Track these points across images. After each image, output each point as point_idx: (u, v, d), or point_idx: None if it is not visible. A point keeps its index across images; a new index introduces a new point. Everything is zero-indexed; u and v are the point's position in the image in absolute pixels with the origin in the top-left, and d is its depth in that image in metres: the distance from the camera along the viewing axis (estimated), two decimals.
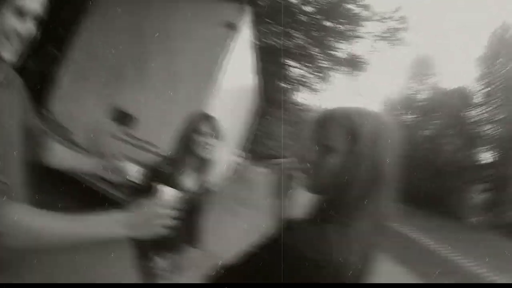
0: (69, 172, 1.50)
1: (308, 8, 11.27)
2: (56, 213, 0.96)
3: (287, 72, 16.02)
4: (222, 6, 4.15)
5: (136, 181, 1.59)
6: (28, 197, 1.16)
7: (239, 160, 15.87)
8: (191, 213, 2.10)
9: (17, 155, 1.08)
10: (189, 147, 2.02)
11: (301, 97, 21.24)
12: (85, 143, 4.18)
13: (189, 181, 2.07)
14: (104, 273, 3.40)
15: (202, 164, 2.11)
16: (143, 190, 1.94)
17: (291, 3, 11.16)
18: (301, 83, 16.81)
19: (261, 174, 14.71)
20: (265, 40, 14.46)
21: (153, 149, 3.87)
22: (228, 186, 9.23)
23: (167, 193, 1.08)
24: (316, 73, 15.43)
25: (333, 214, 0.88)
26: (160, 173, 1.91)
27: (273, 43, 14.47)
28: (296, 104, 21.47)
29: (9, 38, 0.96)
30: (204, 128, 2.02)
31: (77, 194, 4.06)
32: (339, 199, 0.88)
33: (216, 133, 2.05)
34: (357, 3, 11.61)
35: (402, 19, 13.25)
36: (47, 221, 0.93)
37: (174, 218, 1.05)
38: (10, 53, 0.99)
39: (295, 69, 15.93)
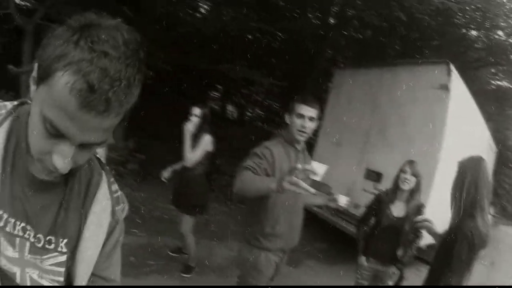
0: None
1: None
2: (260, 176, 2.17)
3: None
4: (431, 70, 5.01)
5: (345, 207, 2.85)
6: None
7: None
8: (397, 235, 3.09)
9: None
10: (397, 183, 3.12)
11: None
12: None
13: (396, 208, 3.13)
14: None
15: (409, 197, 3.15)
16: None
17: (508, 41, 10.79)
18: None
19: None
20: (499, 83, 13.93)
21: None
22: None
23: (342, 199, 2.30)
24: None
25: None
26: (377, 202, 3.25)
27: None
28: None
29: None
30: (405, 167, 3.09)
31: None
32: None
33: (414, 172, 3.06)
34: None
35: None
36: (256, 179, 2.08)
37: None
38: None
39: None
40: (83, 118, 0.65)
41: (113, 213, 0.97)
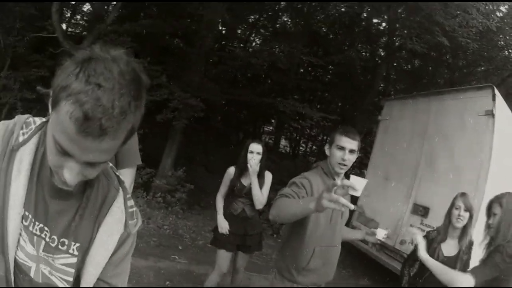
0: None
1: None
2: (294, 199, 2.09)
3: None
4: (476, 95, 4.85)
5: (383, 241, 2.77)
6: None
7: None
8: None
9: None
10: (449, 220, 2.78)
11: None
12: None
13: (447, 246, 2.80)
14: None
15: (462, 233, 2.79)
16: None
17: None
18: None
19: None
20: None
21: None
22: None
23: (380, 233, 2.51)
24: None
25: None
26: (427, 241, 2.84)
27: None
28: None
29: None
30: (458, 203, 2.74)
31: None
32: None
33: (467, 207, 2.71)
34: None
35: None
36: (293, 203, 2.01)
37: None
38: None
39: None
40: (82, 142, 0.76)
41: (126, 225, 1.08)
